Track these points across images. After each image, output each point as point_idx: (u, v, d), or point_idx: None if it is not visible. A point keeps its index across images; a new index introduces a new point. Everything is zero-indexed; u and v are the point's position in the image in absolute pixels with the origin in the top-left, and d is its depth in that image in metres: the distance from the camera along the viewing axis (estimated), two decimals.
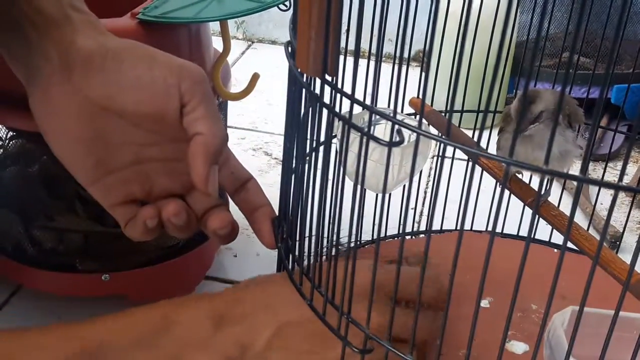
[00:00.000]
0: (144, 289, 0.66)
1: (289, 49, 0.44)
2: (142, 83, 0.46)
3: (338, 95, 0.39)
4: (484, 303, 0.64)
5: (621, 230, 0.78)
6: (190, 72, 0.46)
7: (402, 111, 0.64)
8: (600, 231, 0.82)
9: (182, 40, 0.62)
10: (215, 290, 0.74)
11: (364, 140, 0.36)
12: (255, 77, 0.66)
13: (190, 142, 0.46)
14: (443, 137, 0.33)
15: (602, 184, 0.29)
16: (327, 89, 0.39)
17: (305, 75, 0.41)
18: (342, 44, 0.45)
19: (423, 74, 0.35)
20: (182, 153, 0.46)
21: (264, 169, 0.98)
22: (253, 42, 1.48)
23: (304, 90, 0.42)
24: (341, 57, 0.40)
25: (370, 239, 0.68)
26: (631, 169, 1.02)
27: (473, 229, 0.69)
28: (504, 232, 0.70)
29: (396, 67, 0.36)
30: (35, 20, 0.45)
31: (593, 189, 0.93)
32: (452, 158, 0.67)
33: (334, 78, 0.39)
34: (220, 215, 0.49)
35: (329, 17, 0.37)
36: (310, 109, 0.42)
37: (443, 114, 0.68)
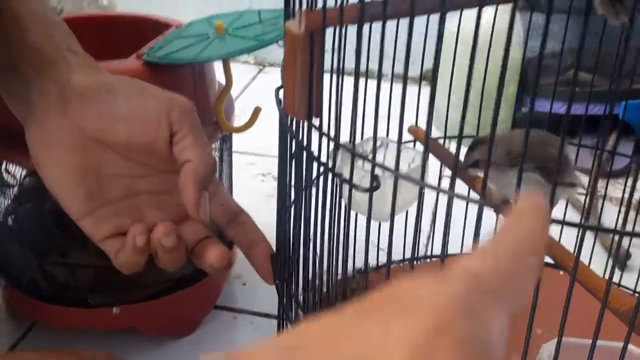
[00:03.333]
0: (154, 321, 0.68)
1: (279, 94, 0.46)
2: (135, 114, 0.47)
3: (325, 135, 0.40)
4: None
5: (628, 249, 0.78)
6: (179, 103, 0.48)
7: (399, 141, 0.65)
8: (606, 247, 0.82)
9: (186, 78, 0.64)
10: (226, 319, 0.75)
11: (345, 184, 0.37)
12: (256, 111, 0.68)
13: (180, 172, 0.47)
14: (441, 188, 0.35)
15: (563, 223, 0.30)
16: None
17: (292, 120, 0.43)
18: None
19: (424, 97, 0.36)
20: (173, 185, 0.48)
21: (272, 193, 0.99)
22: (264, 67, 1.51)
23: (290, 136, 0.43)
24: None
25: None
26: None
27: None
28: None
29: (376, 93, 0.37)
30: (33, 60, 0.48)
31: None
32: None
33: (320, 120, 0.41)
34: (217, 249, 0.49)
35: (312, 65, 0.39)
36: (297, 154, 0.43)
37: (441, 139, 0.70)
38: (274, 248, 0.53)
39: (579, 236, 0.35)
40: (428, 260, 0.75)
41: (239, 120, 0.71)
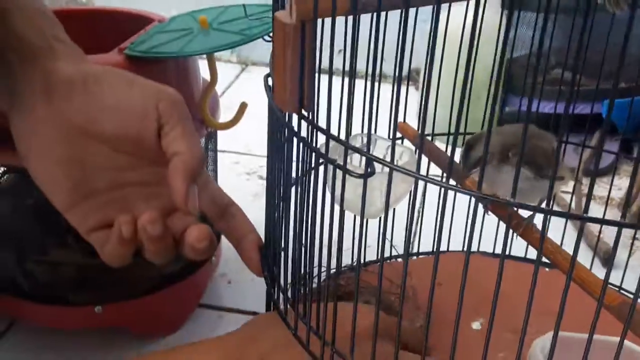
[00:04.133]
0: (138, 320, 0.66)
1: (269, 81, 0.45)
2: (121, 105, 0.47)
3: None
4: (476, 325, 0.64)
5: (612, 246, 0.78)
6: (167, 94, 0.47)
7: (393, 135, 0.64)
8: (591, 246, 0.82)
9: (169, 73, 0.63)
10: (211, 317, 0.74)
11: (337, 170, 0.36)
12: (243, 107, 0.67)
13: (168, 164, 0.46)
14: (441, 178, 0.34)
15: (569, 215, 0.30)
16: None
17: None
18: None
19: (418, 97, 0.36)
20: (161, 177, 0.47)
21: (259, 192, 0.99)
22: (247, 65, 1.50)
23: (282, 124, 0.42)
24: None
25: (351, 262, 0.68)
26: (624, 182, 1.02)
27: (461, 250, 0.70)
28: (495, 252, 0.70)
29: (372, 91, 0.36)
30: (18, 49, 0.46)
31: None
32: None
33: (310, 112, 0.40)
34: (197, 228, 0.48)
35: (303, 58, 0.38)
36: (288, 142, 0.42)
37: (431, 136, 0.69)
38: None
39: (566, 231, 0.35)
40: (414, 257, 0.74)
41: (222, 119, 0.70)
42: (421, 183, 0.38)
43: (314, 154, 0.40)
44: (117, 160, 0.48)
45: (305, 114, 0.40)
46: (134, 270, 0.61)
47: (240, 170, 1.06)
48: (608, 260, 0.80)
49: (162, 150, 0.47)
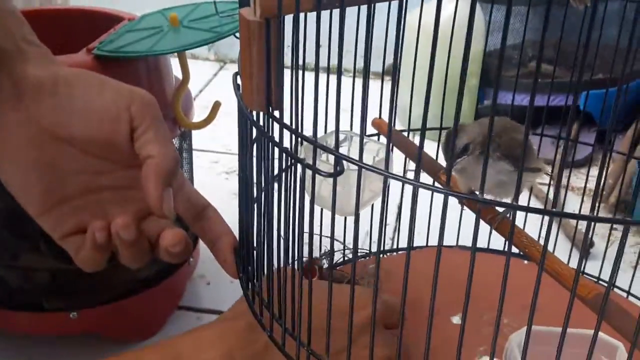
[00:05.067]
0: (115, 325, 0.65)
1: (237, 80, 0.44)
2: (92, 108, 0.46)
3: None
4: (456, 319, 0.64)
5: (591, 237, 0.79)
6: (139, 96, 0.47)
7: (361, 131, 0.64)
8: (570, 237, 0.82)
9: (140, 72, 0.62)
10: (190, 319, 0.74)
11: (307, 170, 0.36)
12: (216, 106, 0.66)
13: (142, 167, 0.46)
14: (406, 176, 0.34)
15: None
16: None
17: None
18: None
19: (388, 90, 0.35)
20: (135, 180, 0.46)
21: (237, 192, 0.98)
22: (226, 63, 1.48)
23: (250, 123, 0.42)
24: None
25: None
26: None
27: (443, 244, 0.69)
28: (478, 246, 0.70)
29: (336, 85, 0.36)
30: None
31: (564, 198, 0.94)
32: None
33: (279, 111, 0.39)
34: (172, 232, 0.47)
35: (269, 54, 0.37)
36: (258, 141, 0.42)
37: (406, 132, 0.69)
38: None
39: (543, 223, 0.34)
40: (394, 253, 0.74)
41: (200, 118, 0.69)
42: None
43: (284, 154, 0.39)
44: (90, 164, 0.47)
45: (276, 113, 0.39)
46: (109, 274, 0.60)
47: (220, 169, 1.05)
48: (586, 253, 0.80)
49: (135, 153, 0.46)
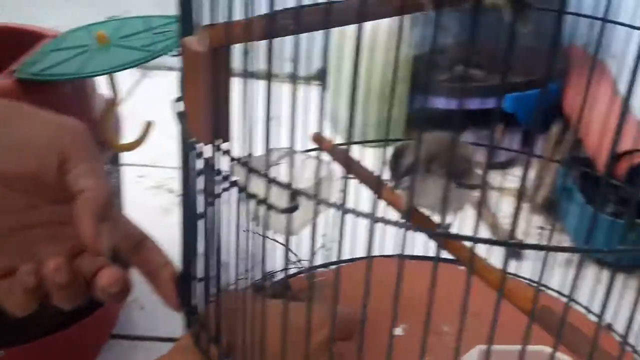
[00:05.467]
0: None
1: (179, 106, 0.42)
2: (22, 143, 0.43)
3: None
4: (399, 331, 0.64)
5: (522, 238, 0.80)
6: (71, 128, 0.44)
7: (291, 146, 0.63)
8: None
9: (66, 95, 0.59)
10: (125, 348, 0.71)
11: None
12: (147, 126, 0.64)
13: (74, 201, 0.43)
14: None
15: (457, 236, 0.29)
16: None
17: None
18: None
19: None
20: (66, 216, 0.44)
21: (168, 207, 0.95)
22: (148, 70, 1.44)
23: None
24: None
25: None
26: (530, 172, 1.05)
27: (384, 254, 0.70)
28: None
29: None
30: None
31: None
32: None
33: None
34: (109, 271, 0.45)
35: (218, 89, 0.36)
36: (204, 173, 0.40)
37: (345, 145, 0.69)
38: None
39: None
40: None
41: (123, 131, 0.66)
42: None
43: (228, 182, 0.38)
44: (17, 200, 0.44)
45: (223, 145, 0.37)
46: (38, 310, 0.56)
47: (147, 184, 1.01)
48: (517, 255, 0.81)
49: (66, 186, 0.44)
